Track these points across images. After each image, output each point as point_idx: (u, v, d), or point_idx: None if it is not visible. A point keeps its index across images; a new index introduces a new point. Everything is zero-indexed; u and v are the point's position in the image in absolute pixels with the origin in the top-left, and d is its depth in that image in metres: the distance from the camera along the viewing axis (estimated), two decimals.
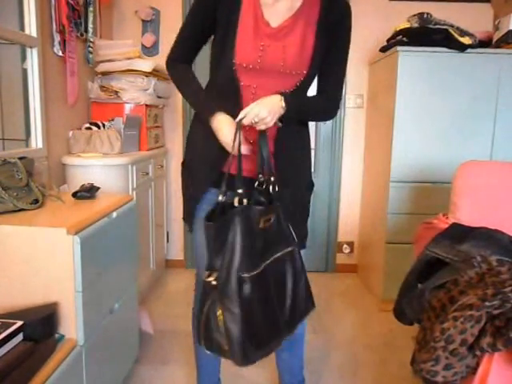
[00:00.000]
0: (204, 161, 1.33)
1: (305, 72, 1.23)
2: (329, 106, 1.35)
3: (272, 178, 1.23)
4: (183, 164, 1.41)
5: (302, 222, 1.40)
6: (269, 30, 1.20)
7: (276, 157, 1.30)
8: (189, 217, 1.38)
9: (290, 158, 1.34)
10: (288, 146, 1.32)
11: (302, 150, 1.38)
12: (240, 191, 1.16)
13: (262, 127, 1.18)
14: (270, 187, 1.22)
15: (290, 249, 1.24)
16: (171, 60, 1.39)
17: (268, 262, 1.18)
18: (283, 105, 1.18)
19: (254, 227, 1.15)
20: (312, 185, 1.43)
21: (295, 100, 1.22)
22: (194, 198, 1.34)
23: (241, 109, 1.18)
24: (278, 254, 1.21)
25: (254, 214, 1.15)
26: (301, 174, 1.39)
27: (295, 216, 1.34)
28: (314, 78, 1.29)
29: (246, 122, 1.16)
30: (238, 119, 1.17)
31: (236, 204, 1.15)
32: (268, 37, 1.20)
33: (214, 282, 1.13)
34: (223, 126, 1.21)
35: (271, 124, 1.18)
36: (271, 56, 1.20)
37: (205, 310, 1.16)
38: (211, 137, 1.25)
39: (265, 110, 1.15)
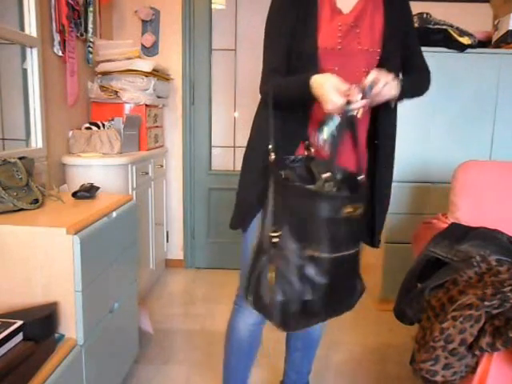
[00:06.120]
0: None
1: (379, 50, 1.25)
2: (426, 76, 1.38)
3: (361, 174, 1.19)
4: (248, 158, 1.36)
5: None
6: (342, 16, 1.24)
7: (380, 144, 1.30)
8: (248, 209, 1.30)
9: (391, 147, 1.35)
10: (389, 133, 1.33)
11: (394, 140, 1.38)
12: (328, 175, 1.09)
13: (379, 98, 1.12)
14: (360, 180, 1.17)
15: (358, 248, 1.19)
16: (272, 75, 1.28)
17: (340, 254, 1.12)
18: (397, 83, 1.15)
19: (336, 216, 1.09)
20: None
21: (404, 80, 1.21)
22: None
23: None
24: (352, 251, 1.15)
25: (339, 203, 1.08)
26: (392, 164, 1.38)
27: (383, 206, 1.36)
28: (394, 59, 1.28)
29: (369, 79, 1.08)
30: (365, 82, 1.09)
31: (321, 187, 1.09)
32: (344, 21, 1.24)
33: (275, 240, 1.11)
34: (326, 79, 1.10)
35: (386, 96, 1.13)
36: (349, 37, 1.23)
37: (259, 264, 1.15)
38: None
39: (390, 78, 1.10)
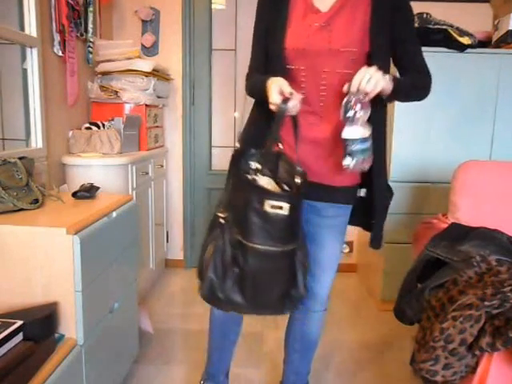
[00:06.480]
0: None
1: (355, 50, 1.21)
2: (426, 80, 1.33)
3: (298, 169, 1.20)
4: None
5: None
6: (317, 15, 1.23)
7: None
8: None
9: (383, 146, 1.34)
10: (380, 132, 1.31)
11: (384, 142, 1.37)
12: (258, 167, 1.18)
13: (367, 96, 1.12)
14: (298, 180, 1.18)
15: (294, 246, 1.18)
16: (253, 73, 1.35)
17: (268, 248, 1.13)
18: (388, 79, 1.14)
19: (261, 208, 1.11)
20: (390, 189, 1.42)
21: (398, 79, 1.20)
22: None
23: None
24: (280, 249, 1.14)
25: (261, 196, 1.11)
26: (385, 166, 1.37)
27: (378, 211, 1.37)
28: (382, 56, 1.25)
29: (354, 83, 1.10)
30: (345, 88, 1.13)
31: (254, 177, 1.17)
32: (316, 20, 1.23)
33: (221, 221, 1.18)
34: (274, 82, 1.16)
35: (375, 90, 1.11)
36: (317, 36, 1.22)
37: (208, 239, 1.22)
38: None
39: (372, 70, 1.10)
